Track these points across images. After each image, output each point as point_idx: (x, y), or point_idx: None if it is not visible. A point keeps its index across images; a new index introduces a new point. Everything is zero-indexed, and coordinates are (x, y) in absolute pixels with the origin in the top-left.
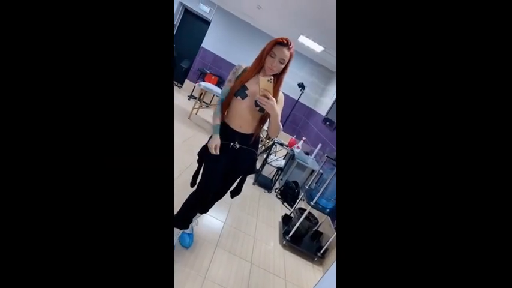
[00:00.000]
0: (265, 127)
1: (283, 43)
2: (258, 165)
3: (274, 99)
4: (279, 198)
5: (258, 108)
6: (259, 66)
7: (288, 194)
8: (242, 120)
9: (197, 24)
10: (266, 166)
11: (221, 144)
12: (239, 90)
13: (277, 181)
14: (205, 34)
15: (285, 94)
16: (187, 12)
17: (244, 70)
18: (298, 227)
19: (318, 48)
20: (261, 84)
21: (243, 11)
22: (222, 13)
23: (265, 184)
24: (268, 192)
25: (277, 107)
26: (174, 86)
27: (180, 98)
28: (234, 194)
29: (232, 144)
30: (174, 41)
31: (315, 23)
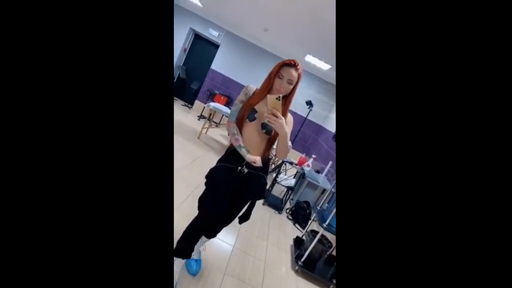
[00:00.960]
0: (274, 145)
1: (290, 64)
2: (268, 184)
3: (283, 117)
4: (290, 219)
5: (264, 130)
6: (267, 88)
7: (300, 215)
8: (250, 143)
9: (206, 47)
10: (276, 185)
11: (228, 168)
12: (248, 113)
13: (288, 201)
14: (214, 56)
15: (293, 112)
16: (197, 37)
17: (254, 93)
18: (311, 251)
19: (325, 66)
20: (269, 102)
21: (250, 34)
22: (230, 36)
23: (275, 204)
24: (279, 213)
25: (287, 127)
26: (185, 107)
27: (190, 118)
28: (243, 219)
29: (240, 168)
30: (185, 64)
31: (320, 42)
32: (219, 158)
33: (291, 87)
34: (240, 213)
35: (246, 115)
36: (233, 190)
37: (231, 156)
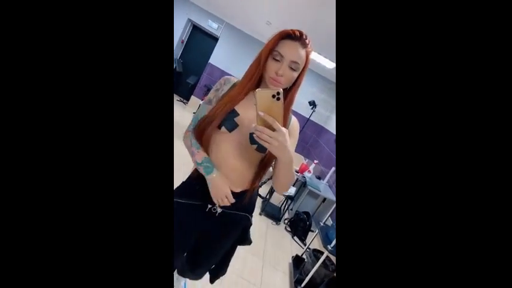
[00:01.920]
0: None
1: (294, 36)
2: (266, 191)
3: (283, 129)
4: (288, 230)
5: (256, 146)
6: (255, 77)
7: (299, 227)
8: (228, 167)
9: (205, 40)
10: (274, 194)
11: (191, 206)
12: (224, 117)
13: (287, 211)
14: (212, 50)
15: (293, 111)
16: (196, 28)
17: (234, 86)
18: (313, 276)
19: (329, 64)
20: (258, 102)
21: (251, 27)
22: (231, 29)
23: (273, 214)
24: (277, 223)
25: (290, 145)
26: (180, 102)
27: (186, 115)
28: (215, 275)
29: (210, 207)
30: (182, 56)
31: (326, 38)
32: (179, 185)
33: (295, 74)
34: (212, 264)
35: (219, 121)
36: (198, 239)
37: (195, 187)
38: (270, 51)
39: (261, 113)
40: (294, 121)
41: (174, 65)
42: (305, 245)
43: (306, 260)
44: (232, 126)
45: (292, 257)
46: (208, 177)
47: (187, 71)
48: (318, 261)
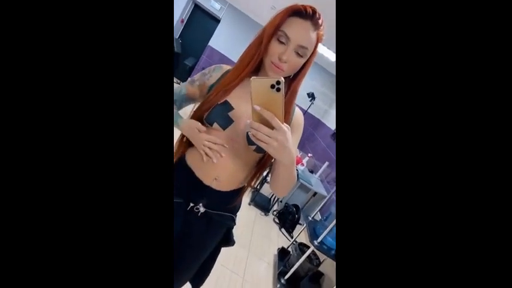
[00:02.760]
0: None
1: (306, 13)
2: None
3: (284, 127)
4: (277, 222)
5: (254, 146)
6: (254, 61)
7: (287, 219)
8: (220, 167)
9: (206, 21)
10: (265, 184)
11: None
12: (214, 111)
13: (277, 202)
14: (213, 32)
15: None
16: (197, 7)
17: (226, 73)
18: (296, 269)
19: (333, 57)
20: (254, 93)
21: (255, 11)
22: (233, 12)
23: (263, 205)
24: (265, 214)
25: (293, 143)
26: (176, 85)
27: None
28: (197, 283)
29: (192, 205)
30: (181, 37)
31: (331, 28)
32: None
33: (302, 61)
34: (193, 270)
35: (207, 110)
36: (179, 238)
37: (179, 182)
38: (275, 30)
39: (257, 107)
40: (297, 114)
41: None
42: (292, 237)
43: (291, 253)
44: (226, 123)
45: (278, 248)
46: (179, 128)
47: (185, 52)
48: (303, 255)
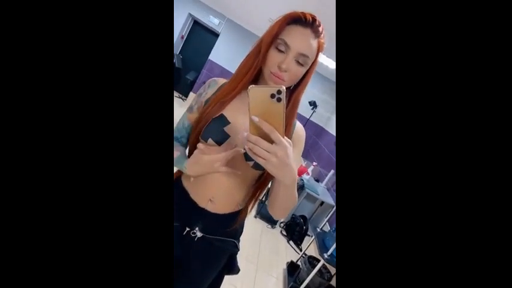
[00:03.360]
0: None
1: (305, 21)
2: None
3: (285, 142)
4: (284, 235)
5: (251, 162)
6: (252, 71)
7: (295, 231)
8: (214, 187)
9: (206, 36)
10: None
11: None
12: (209, 126)
13: None
14: (213, 46)
15: None
16: (196, 23)
17: (221, 87)
18: (307, 284)
19: (332, 65)
20: (252, 103)
21: (253, 24)
22: (232, 26)
23: (269, 217)
24: (272, 227)
25: (294, 159)
26: (179, 99)
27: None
28: None
29: (188, 230)
30: (181, 52)
31: (329, 37)
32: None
33: (302, 70)
34: None
35: (203, 126)
36: (175, 266)
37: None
38: (273, 38)
39: (255, 118)
40: (298, 127)
41: (174, 61)
42: (301, 250)
43: (301, 266)
44: (222, 138)
45: (287, 263)
46: (185, 171)
47: (186, 66)
48: (313, 269)
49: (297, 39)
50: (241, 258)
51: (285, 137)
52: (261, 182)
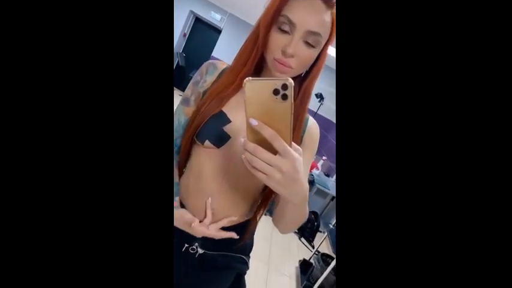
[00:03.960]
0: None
1: None
2: None
3: (293, 153)
4: (296, 232)
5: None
6: (252, 60)
7: (306, 228)
8: (214, 197)
9: (208, 33)
10: None
11: None
12: (206, 124)
13: None
14: (215, 43)
15: None
16: (198, 20)
17: (222, 73)
18: (321, 283)
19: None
20: (249, 102)
21: (256, 17)
22: (234, 21)
23: None
24: None
25: (303, 168)
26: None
27: None
28: None
29: (188, 246)
30: (184, 50)
31: None
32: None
33: (314, 53)
34: None
35: (198, 127)
36: (176, 282)
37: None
38: (274, 16)
39: (254, 121)
40: (311, 125)
41: (177, 59)
42: (313, 247)
43: (314, 265)
44: (221, 140)
45: (300, 261)
46: (178, 212)
47: (190, 64)
48: (327, 267)
49: (304, 13)
50: (252, 258)
51: (293, 144)
52: (268, 189)
